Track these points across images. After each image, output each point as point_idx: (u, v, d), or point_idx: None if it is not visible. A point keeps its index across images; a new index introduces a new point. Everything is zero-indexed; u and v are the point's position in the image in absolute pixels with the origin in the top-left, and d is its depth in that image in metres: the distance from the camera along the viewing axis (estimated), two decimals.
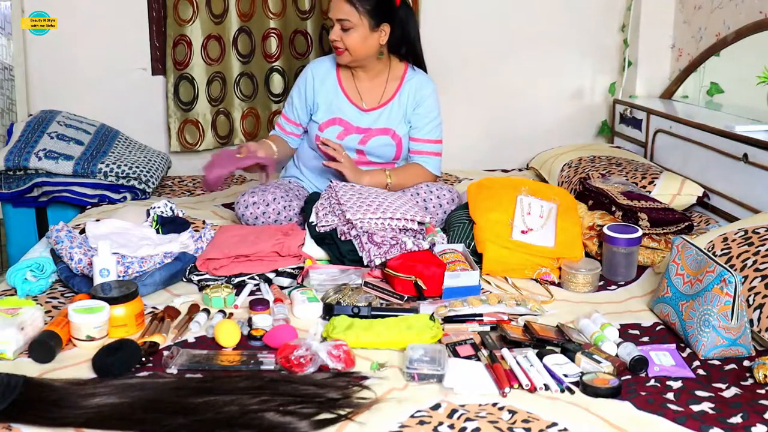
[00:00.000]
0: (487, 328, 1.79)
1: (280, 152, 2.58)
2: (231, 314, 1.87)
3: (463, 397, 1.47)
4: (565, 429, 1.36)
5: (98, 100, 3.26)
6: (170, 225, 2.28)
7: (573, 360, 1.60)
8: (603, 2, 3.43)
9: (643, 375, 1.58)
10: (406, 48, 2.56)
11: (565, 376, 1.54)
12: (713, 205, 2.64)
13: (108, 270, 1.90)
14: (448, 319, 1.82)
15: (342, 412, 1.39)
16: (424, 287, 1.93)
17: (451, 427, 1.37)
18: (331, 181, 2.41)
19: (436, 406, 1.44)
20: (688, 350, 1.70)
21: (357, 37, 2.39)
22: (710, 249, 1.97)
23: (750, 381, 1.55)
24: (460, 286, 1.96)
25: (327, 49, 3.30)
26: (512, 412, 1.41)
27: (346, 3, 2.37)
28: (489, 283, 2.11)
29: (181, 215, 2.40)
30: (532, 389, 1.49)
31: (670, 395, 1.49)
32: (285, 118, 2.65)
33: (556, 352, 1.63)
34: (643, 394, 1.49)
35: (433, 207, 2.49)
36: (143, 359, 1.60)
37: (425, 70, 2.65)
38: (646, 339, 1.78)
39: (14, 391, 1.39)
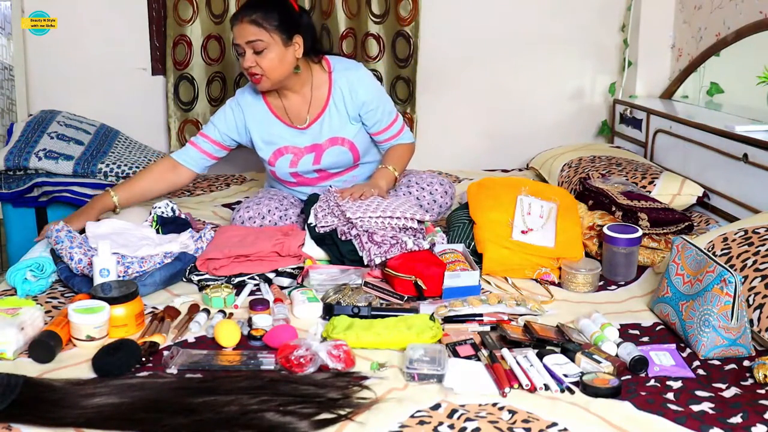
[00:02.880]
0: (487, 328, 1.79)
1: (134, 197, 2.38)
2: (231, 314, 1.87)
3: (463, 397, 1.47)
4: (565, 429, 1.36)
5: (98, 100, 3.26)
6: (170, 225, 2.29)
7: (573, 360, 1.60)
8: (603, 2, 3.43)
9: (643, 375, 1.58)
10: (319, 50, 2.44)
11: (565, 376, 1.54)
12: (713, 205, 2.64)
13: (108, 270, 1.90)
14: (448, 319, 1.82)
15: (342, 412, 1.40)
16: (424, 287, 1.93)
17: (451, 427, 1.37)
18: (330, 187, 2.39)
19: (436, 406, 1.44)
20: (688, 350, 1.70)
21: (274, 58, 2.24)
22: (710, 249, 1.97)
23: (750, 381, 1.55)
24: (460, 286, 1.96)
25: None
26: (512, 412, 1.41)
27: (251, 25, 2.21)
28: (489, 283, 2.11)
29: (183, 216, 2.39)
30: (532, 389, 1.49)
31: (670, 395, 1.49)
32: (205, 137, 2.44)
33: (556, 352, 1.63)
34: (643, 394, 1.49)
35: (428, 204, 2.48)
36: (143, 359, 1.60)
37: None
38: (646, 339, 1.78)
39: (14, 391, 1.39)
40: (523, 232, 2.19)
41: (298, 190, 2.55)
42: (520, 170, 3.45)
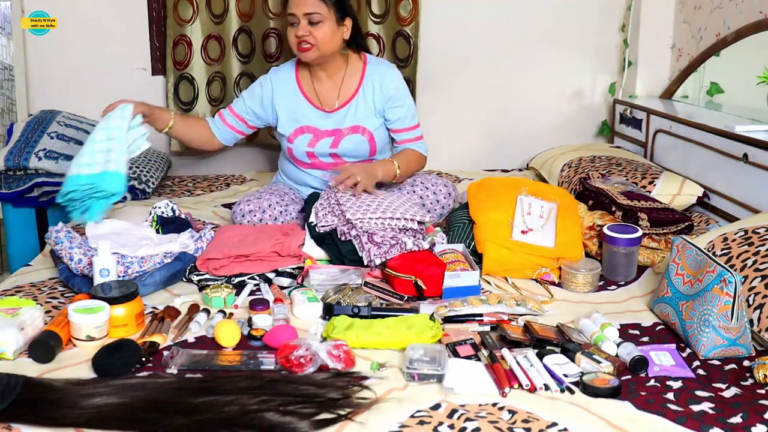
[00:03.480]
0: (487, 328, 1.79)
1: (181, 131, 2.49)
2: (231, 314, 1.87)
3: (463, 397, 1.47)
4: (565, 429, 1.36)
5: (98, 100, 3.23)
6: (170, 225, 2.28)
7: (573, 360, 1.60)
8: (603, 2, 3.43)
9: (643, 375, 1.58)
10: (359, 40, 2.54)
11: (565, 376, 1.54)
12: (713, 205, 2.64)
13: (108, 270, 1.90)
14: (448, 319, 1.82)
15: (342, 412, 1.40)
16: (424, 287, 1.93)
17: (451, 427, 1.37)
18: (330, 175, 2.40)
19: (436, 406, 1.44)
20: (688, 350, 1.70)
21: (327, 31, 2.35)
22: (710, 249, 1.97)
23: (750, 381, 1.55)
24: (460, 286, 1.96)
25: None
26: (512, 412, 1.41)
27: None
28: (489, 283, 2.11)
29: (183, 216, 2.39)
30: (532, 389, 1.49)
31: (670, 395, 1.49)
32: (229, 109, 2.56)
33: (556, 352, 1.63)
34: (643, 394, 1.49)
35: (431, 203, 2.49)
36: (143, 359, 1.60)
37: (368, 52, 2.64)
38: (646, 339, 1.78)
39: (14, 391, 1.39)
40: (523, 232, 2.19)
41: (311, 173, 2.57)
42: (520, 170, 3.45)
